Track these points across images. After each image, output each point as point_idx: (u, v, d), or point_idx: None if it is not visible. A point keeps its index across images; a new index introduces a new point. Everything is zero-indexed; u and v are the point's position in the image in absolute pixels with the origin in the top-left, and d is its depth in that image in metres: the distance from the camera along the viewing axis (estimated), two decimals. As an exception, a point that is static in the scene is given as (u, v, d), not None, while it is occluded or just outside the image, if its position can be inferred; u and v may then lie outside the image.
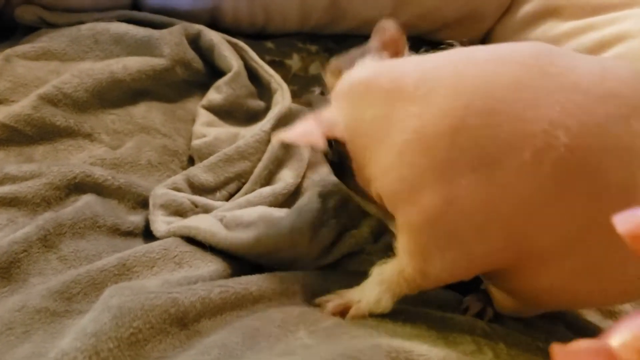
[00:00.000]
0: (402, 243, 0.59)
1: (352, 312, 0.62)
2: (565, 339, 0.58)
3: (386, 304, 0.62)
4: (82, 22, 0.98)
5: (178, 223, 0.72)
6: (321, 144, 0.56)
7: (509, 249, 0.54)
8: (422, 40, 1.22)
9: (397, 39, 0.64)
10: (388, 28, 0.65)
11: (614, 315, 0.78)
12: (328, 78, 0.66)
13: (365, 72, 0.60)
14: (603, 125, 0.49)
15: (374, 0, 1.11)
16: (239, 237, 0.68)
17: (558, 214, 0.51)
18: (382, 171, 0.57)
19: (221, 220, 0.74)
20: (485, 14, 1.16)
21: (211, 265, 0.68)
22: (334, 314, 0.62)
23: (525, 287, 0.59)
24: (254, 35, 1.14)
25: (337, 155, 0.63)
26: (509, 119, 0.50)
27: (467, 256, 0.56)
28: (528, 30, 1.10)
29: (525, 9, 1.11)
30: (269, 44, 1.11)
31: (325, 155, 0.67)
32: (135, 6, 1.07)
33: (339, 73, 0.63)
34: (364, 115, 0.58)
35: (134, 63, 0.92)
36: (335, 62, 0.65)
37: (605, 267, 0.53)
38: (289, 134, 0.57)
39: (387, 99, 0.56)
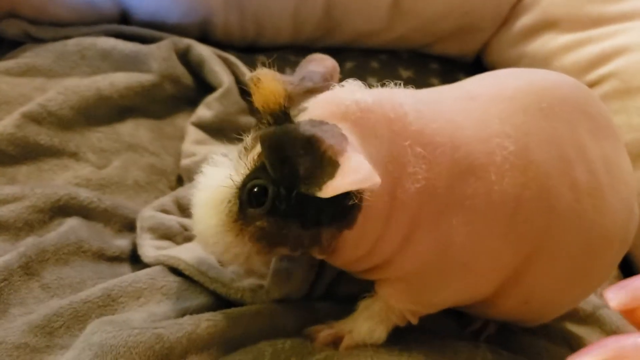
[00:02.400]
0: (390, 293, 0.60)
1: (345, 342, 0.61)
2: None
3: (380, 335, 0.62)
4: (68, 37, 0.96)
5: (167, 252, 0.69)
6: (378, 183, 0.48)
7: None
8: (418, 54, 1.20)
9: (335, 68, 0.60)
10: (325, 57, 0.61)
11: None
12: (251, 86, 0.55)
13: (362, 96, 0.54)
14: (529, 123, 0.56)
15: (368, 13, 1.09)
16: (229, 283, 0.65)
17: (521, 233, 0.56)
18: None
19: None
20: (482, 27, 1.14)
21: (200, 297, 0.65)
22: (326, 344, 0.60)
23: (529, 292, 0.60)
24: (246, 48, 1.12)
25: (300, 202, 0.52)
26: (478, 142, 0.55)
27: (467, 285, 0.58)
28: (525, 43, 1.08)
29: (523, 22, 1.09)
30: (261, 58, 1.09)
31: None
32: (124, 19, 1.05)
33: (258, 82, 0.53)
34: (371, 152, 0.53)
35: (122, 79, 0.89)
36: (261, 72, 0.54)
37: (570, 277, 0.59)
38: (343, 183, 0.47)
39: (391, 132, 0.53)
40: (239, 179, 0.52)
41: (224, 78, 0.94)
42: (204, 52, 0.96)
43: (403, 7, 1.10)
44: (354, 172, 0.46)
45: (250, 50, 1.11)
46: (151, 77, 0.91)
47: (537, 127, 0.56)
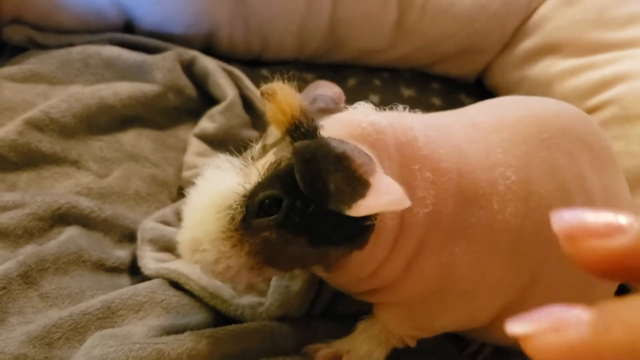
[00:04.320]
0: (389, 318, 0.60)
1: None
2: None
3: (378, 357, 0.62)
4: (72, 44, 0.96)
5: (168, 265, 0.69)
6: (408, 205, 0.46)
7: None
8: (420, 73, 1.21)
9: (342, 95, 0.60)
10: (332, 84, 0.61)
11: None
12: (266, 98, 0.53)
13: (376, 118, 0.54)
14: (531, 153, 0.57)
15: (371, 32, 1.09)
16: (229, 299, 0.65)
17: (521, 262, 0.56)
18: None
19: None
20: (485, 49, 1.15)
21: (199, 313, 0.65)
22: (325, 362, 0.60)
23: None
24: (250, 62, 1.12)
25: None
26: (481, 171, 0.55)
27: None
28: (527, 67, 1.09)
29: (525, 45, 1.10)
30: (265, 72, 1.09)
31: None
32: (128, 29, 1.05)
33: (273, 95, 0.52)
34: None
35: (125, 88, 0.89)
36: (277, 84, 0.53)
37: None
38: (377, 204, 0.46)
39: (402, 156, 0.53)
40: (248, 186, 0.51)
41: (228, 91, 0.94)
42: (208, 64, 0.96)
43: (407, 27, 1.10)
44: (387, 193, 0.46)
45: (255, 64, 1.12)
46: (155, 87, 0.91)
47: (539, 158, 0.57)
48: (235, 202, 0.50)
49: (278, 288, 0.66)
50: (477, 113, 0.63)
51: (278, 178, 0.50)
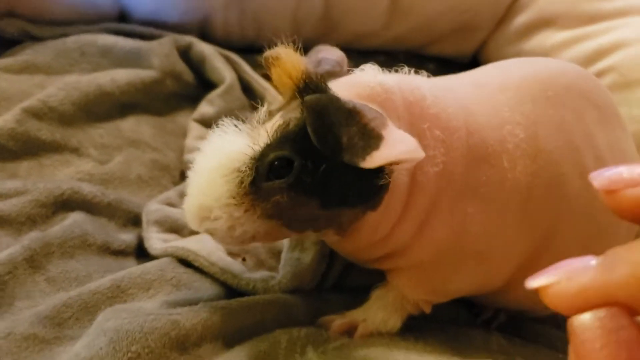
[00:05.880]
0: (404, 283, 0.59)
1: (359, 330, 0.60)
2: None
3: (394, 324, 0.61)
4: (67, 35, 0.95)
5: (175, 243, 0.68)
6: (423, 156, 0.46)
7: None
8: (415, 55, 1.20)
9: (344, 58, 0.59)
10: (334, 48, 0.60)
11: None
12: (270, 64, 0.53)
13: (384, 78, 0.54)
14: (537, 111, 0.57)
15: (366, 14, 1.09)
16: (240, 273, 0.64)
17: (534, 220, 0.56)
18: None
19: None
20: (479, 26, 1.15)
21: (210, 289, 0.64)
22: (340, 333, 0.59)
23: None
24: (245, 49, 1.11)
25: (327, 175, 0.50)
26: (490, 129, 0.55)
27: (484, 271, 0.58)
28: (523, 41, 1.09)
29: (520, 20, 1.10)
30: (260, 58, 1.08)
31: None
32: (123, 18, 1.04)
33: (276, 59, 0.51)
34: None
35: (123, 75, 0.88)
36: (280, 49, 0.52)
37: None
38: (391, 153, 0.45)
39: (410, 115, 0.53)
40: (257, 148, 0.49)
41: (226, 75, 0.93)
42: (205, 49, 0.96)
43: (401, 6, 1.10)
44: (401, 143, 0.45)
45: (250, 50, 1.11)
46: (152, 73, 0.91)
47: (545, 115, 0.57)
48: (244, 164, 0.49)
49: (289, 261, 0.65)
50: (482, 75, 0.62)
51: (288, 139, 0.49)
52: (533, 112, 0.57)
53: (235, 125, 0.52)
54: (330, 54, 0.59)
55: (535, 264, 0.58)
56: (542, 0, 1.08)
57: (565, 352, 0.64)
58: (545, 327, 0.70)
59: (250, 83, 0.96)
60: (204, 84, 0.97)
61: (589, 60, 0.97)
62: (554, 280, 0.29)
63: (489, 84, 0.59)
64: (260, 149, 0.49)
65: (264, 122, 0.52)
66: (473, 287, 0.60)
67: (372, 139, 0.46)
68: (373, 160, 0.45)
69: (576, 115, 0.58)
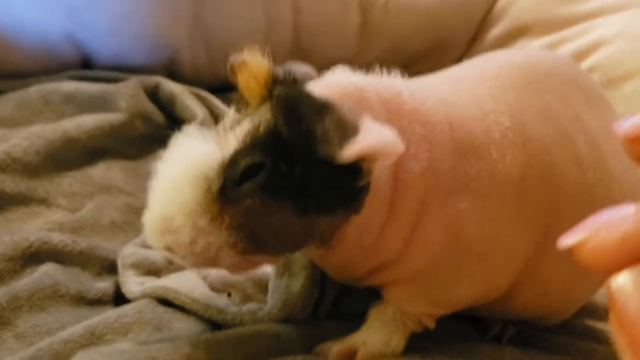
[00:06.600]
0: (402, 297, 0.55)
1: (360, 355, 0.55)
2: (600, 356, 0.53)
3: (397, 343, 0.57)
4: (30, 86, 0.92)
5: (153, 283, 0.63)
6: (403, 149, 0.44)
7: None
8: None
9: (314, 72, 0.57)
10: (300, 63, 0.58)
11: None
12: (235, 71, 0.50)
13: (357, 78, 0.52)
14: (521, 98, 0.55)
15: (337, 37, 1.08)
16: (226, 308, 0.59)
17: (531, 215, 0.53)
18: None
19: (205, 278, 0.65)
20: (453, 44, 1.14)
21: (195, 326, 0.59)
22: (340, 359, 0.55)
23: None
24: (218, 88, 1.08)
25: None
26: (474, 120, 0.52)
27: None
28: (499, 53, 1.08)
29: (494, 33, 1.09)
30: (236, 91, 1.05)
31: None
32: (86, 66, 1.01)
33: (242, 65, 0.48)
34: None
35: (89, 120, 0.85)
36: (245, 55, 0.49)
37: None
38: (368, 142, 0.42)
39: (388, 112, 0.50)
40: (226, 153, 0.45)
41: (198, 111, 0.90)
42: (174, 87, 0.93)
43: (372, 28, 1.09)
44: (379, 134, 0.43)
45: (223, 90, 1.08)
46: (120, 116, 0.87)
47: (529, 102, 0.55)
48: (212, 169, 0.45)
49: (278, 289, 0.60)
50: (458, 70, 0.61)
51: (259, 143, 0.45)
52: (516, 99, 0.54)
53: (200, 132, 0.48)
54: (299, 66, 0.56)
55: (539, 264, 0.55)
56: (514, 10, 1.08)
57: (582, 358, 0.60)
58: (557, 336, 0.66)
59: (222, 118, 0.93)
60: (176, 124, 0.93)
61: (569, 63, 0.97)
62: (591, 233, 0.25)
63: (467, 76, 0.57)
64: (230, 155, 0.45)
65: (231, 129, 0.48)
66: (475, 294, 0.56)
67: (348, 129, 0.43)
68: (350, 152, 0.42)
69: (561, 100, 0.56)
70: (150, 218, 0.47)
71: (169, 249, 0.46)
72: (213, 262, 0.47)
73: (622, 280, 0.24)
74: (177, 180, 0.46)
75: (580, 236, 0.26)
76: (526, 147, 0.52)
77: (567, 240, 0.27)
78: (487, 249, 0.52)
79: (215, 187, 0.45)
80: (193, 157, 0.46)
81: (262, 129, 0.46)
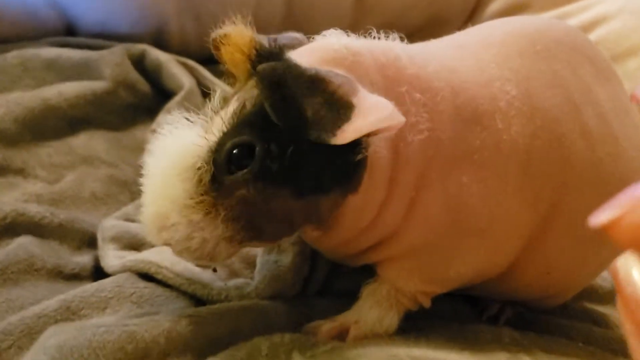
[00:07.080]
0: (397, 274, 0.52)
1: (352, 333, 0.53)
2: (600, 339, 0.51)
3: (391, 322, 0.54)
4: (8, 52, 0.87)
5: (134, 257, 0.60)
6: (403, 122, 0.41)
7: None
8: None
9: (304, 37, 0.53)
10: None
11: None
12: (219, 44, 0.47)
13: (349, 41, 0.48)
14: (528, 66, 0.51)
15: (332, 12, 1.04)
16: (211, 282, 0.57)
17: (537, 188, 0.50)
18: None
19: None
20: (450, 18, 1.11)
21: (178, 302, 0.56)
22: (330, 338, 0.52)
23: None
24: (205, 60, 1.04)
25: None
26: (478, 87, 0.49)
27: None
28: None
29: (492, 8, 1.07)
30: (222, 67, 1.02)
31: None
32: (70, 33, 0.97)
33: (225, 37, 0.46)
34: None
35: (71, 88, 0.81)
36: (229, 27, 0.46)
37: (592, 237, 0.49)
38: (365, 123, 0.40)
39: (385, 78, 0.47)
40: (213, 138, 0.43)
41: (184, 80, 0.87)
42: (160, 56, 0.89)
43: (366, 3, 1.06)
44: (375, 111, 0.39)
45: (210, 61, 1.04)
46: (104, 84, 0.84)
47: (537, 71, 0.52)
48: (200, 158, 0.42)
49: (266, 264, 0.57)
50: (461, 35, 0.58)
51: (246, 122, 0.43)
52: (523, 67, 0.51)
53: (186, 118, 0.46)
54: (286, 34, 0.52)
55: (544, 240, 0.52)
56: (513, -15, 1.05)
57: (581, 341, 0.58)
58: (556, 318, 0.64)
59: (210, 89, 0.89)
60: (162, 94, 0.90)
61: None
62: (628, 210, 0.24)
63: (470, 42, 0.54)
64: (216, 139, 0.43)
65: (218, 110, 0.46)
66: (475, 271, 0.53)
67: (341, 108, 0.40)
68: (345, 135, 0.39)
69: (570, 70, 0.53)
70: (147, 216, 0.45)
71: (168, 244, 0.44)
72: (211, 258, 0.45)
73: (630, 264, 0.24)
74: (166, 175, 0.43)
75: (614, 213, 0.25)
76: (533, 117, 0.50)
77: (599, 218, 0.25)
78: (489, 224, 0.49)
79: (206, 177, 0.42)
80: (179, 147, 0.43)
81: (248, 106, 0.43)
